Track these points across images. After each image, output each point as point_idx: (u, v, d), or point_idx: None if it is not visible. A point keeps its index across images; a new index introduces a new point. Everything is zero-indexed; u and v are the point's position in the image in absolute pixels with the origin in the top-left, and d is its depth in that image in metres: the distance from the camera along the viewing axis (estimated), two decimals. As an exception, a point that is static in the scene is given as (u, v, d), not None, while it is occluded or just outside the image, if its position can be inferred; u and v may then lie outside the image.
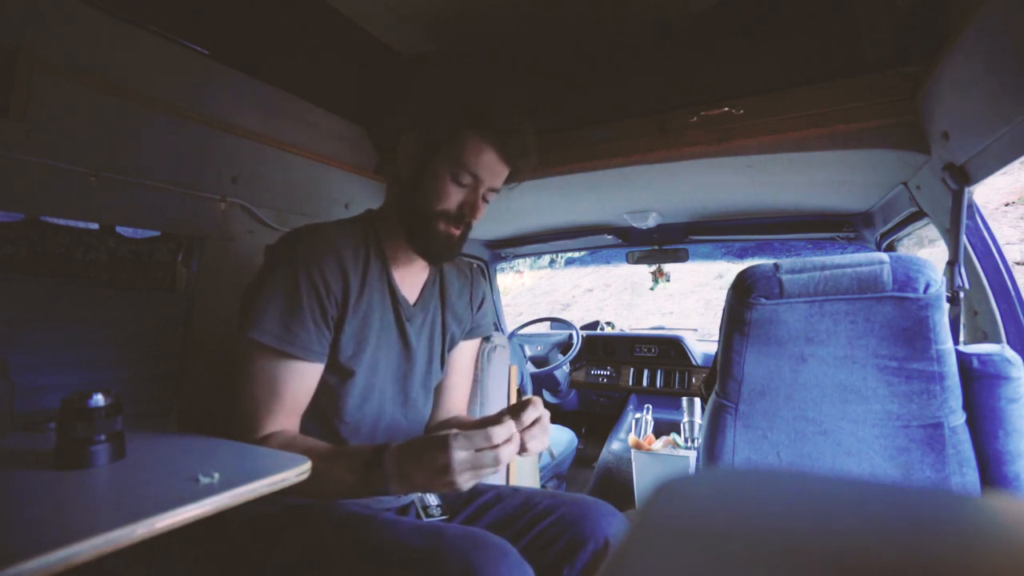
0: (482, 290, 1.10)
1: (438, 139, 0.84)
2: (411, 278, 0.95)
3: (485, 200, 0.88)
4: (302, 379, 0.82)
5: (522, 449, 0.73)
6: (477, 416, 1.20)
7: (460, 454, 0.66)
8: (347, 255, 0.85)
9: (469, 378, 1.11)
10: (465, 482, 0.67)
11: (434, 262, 0.93)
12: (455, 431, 0.68)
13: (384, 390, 0.92)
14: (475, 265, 1.10)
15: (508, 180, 0.91)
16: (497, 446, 0.67)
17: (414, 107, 0.90)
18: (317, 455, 0.73)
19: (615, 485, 1.99)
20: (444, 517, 0.93)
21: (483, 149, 0.82)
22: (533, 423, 0.75)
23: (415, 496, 0.95)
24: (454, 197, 0.84)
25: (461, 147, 0.82)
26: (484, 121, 0.82)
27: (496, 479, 1.24)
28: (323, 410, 0.87)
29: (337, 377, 0.86)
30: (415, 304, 0.95)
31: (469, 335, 1.07)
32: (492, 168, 0.84)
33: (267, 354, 0.79)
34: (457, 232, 0.87)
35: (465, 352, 1.07)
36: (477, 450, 0.67)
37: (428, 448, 0.69)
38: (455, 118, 0.83)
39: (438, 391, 1.04)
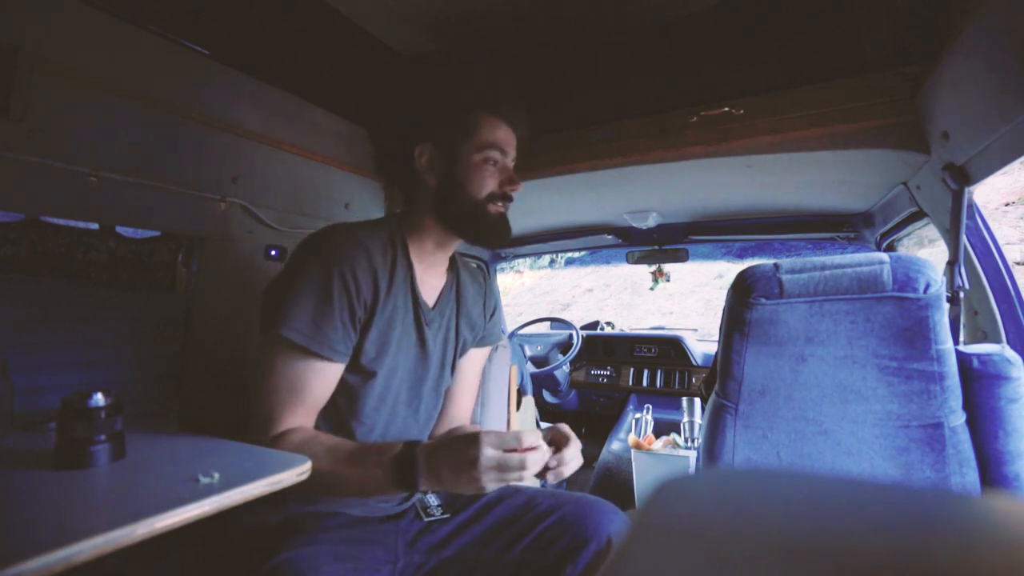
0: (495, 299, 1.11)
1: (455, 134, 0.89)
2: (431, 282, 0.96)
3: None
4: (325, 379, 0.82)
5: (543, 473, 0.74)
6: (479, 418, 1.20)
7: (489, 450, 0.66)
8: (377, 256, 0.86)
9: (475, 387, 1.11)
10: (489, 481, 0.67)
11: (494, 244, 0.96)
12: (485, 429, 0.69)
13: (399, 392, 0.92)
14: (487, 274, 1.12)
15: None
16: (526, 450, 0.67)
17: (418, 116, 0.93)
18: (343, 452, 0.75)
19: (615, 485, 1.99)
20: (446, 516, 0.93)
21: (497, 124, 0.90)
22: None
23: (415, 497, 0.96)
24: (493, 178, 0.90)
25: (479, 131, 0.88)
26: (489, 100, 0.89)
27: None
28: (340, 409, 0.87)
29: (358, 377, 0.86)
30: (434, 308, 0.95)
31: (480, 343, 1.07)
32: (508, 140, 0.91)
33: (294, 352, 0.79)
34: (504, 210, 0.92)
35: (474, 360, 1.08)
36: (506, 450, 0.67)
37: (458, 442, 0.69)
38: (466, 109, 0.89)
39: (444, 398, 1.04)
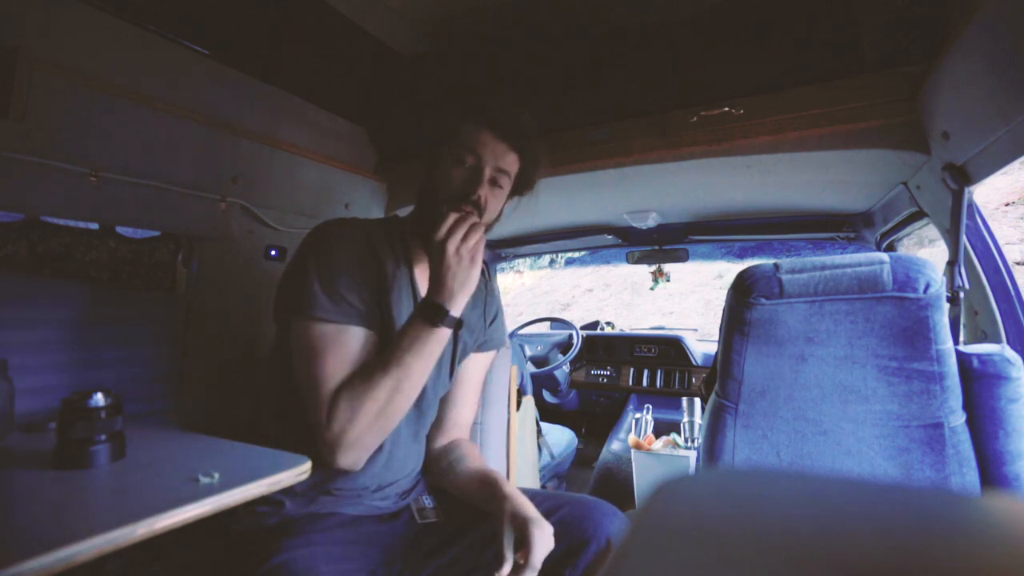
0: (496, 305, 1.12)
1: (444, 140, 0.90)
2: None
3: (498, 184, 0.90)
4: (361, 346, 0.84)
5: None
6: (479, 419, 1.20)
7: (447, 243, 0.79)
8: (380, 246, 0.90)
9: (477, 394, 1.11)
10: (459, 251, 0.80)
11: None
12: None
13: None
14: (490, 282, 1.11)
15: (523, 172, 0.94)
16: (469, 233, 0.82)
17: (425, 120, 0.98)
18: (382, 358, 0.81)
19: (615, 485, 1.99)
20: (440, 520, 0.93)
21: (479, 131, 0.87)
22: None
23: (411, 498, 0.96)
24: (458, 178, 0.87)
25: (461, 137, 0.88)
26: (477, 111, 0.88)
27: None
28: None
29: None
30: None
31: (481, 348, 1.07)
32: (491, 146, 0.87)
33: (327, 327, 0.82)
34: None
35: (476, 365, 1.07)
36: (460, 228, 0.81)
37: (444, 260, 0.80)
38: (454, 118, 0.89)
39: (446, 404, 1.04)
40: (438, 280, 0.81)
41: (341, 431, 0.77)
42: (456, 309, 0.81)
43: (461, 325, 0.83)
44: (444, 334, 0.82)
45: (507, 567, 0.76)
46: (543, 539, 0.77)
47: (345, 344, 0.82)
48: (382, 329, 0.87)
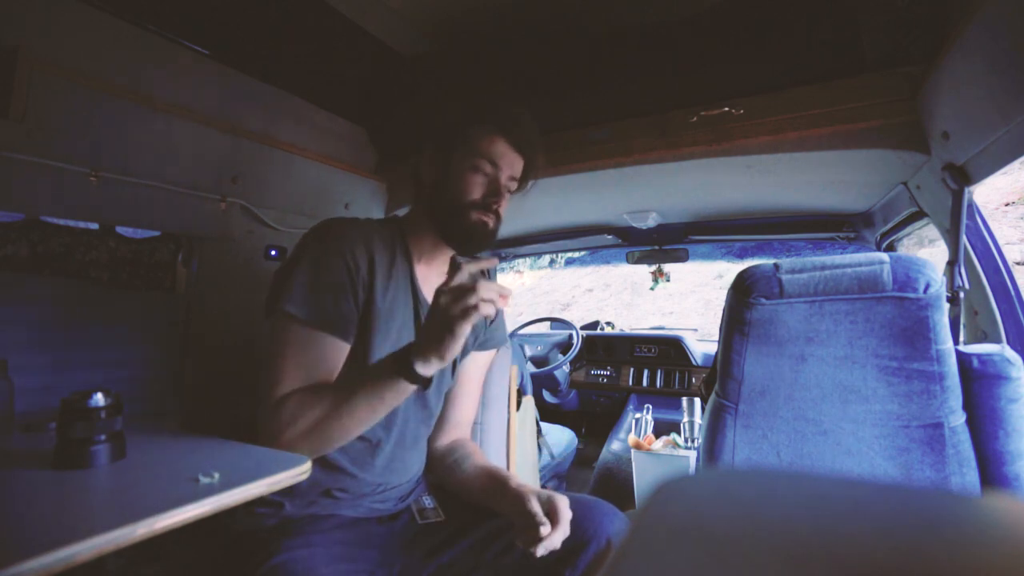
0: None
1: (454, 143, 0.90)
2: (431, 282, 0.97)
3: (508, 190, 0.92)
4: (327, 354, 0.83)
5: (532, 542, 0.77)
6: (479, 419, 1.20)
7: (441, 298, 0.70)
8: (377, 247, 0.89)
9: (477, 393, 1.11)
10: (457, 318, 0.69)
11: (470, 252, 0.94)
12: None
13: None
14: (488, 276, 1.11)
15: (524, 175, 0.95)
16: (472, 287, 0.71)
17: (425, 120, 0.96)
18: (341, 386, 0.79)
19: (615, 485, 1.99)
20: (440, 520, 0.93)
21: (495, 140, 0.89)
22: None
23: (411, 500, 0.96)
24: (479, 187, 0.89)
25: (476, 143, 0.89)
26: (491, 117, 0.89)
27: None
28: None
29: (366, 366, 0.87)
30: None
31: (481, 347, 1.07)
32: (506, 156, 0.90)
33: (296, 326, 0.81)
34: (489, 221, 0.90)
35: (476, 364, 1.07)
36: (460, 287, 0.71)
37: (431, 314, 0.72)
38: (466, 121, 0.90)
39: (447, 403, 1.04)
40: (426, 347, 0.72)
41: (277, 432, 0.77)
42: (429, 372, 0.74)
43: (429, 385, 0.76)
44: (405, 389, 0.74)
45: (545, 529, 0.77)
46: (566, 508, 0.79)
47: (308, 350, 0.81)
48: (365, 330, 0.86)
